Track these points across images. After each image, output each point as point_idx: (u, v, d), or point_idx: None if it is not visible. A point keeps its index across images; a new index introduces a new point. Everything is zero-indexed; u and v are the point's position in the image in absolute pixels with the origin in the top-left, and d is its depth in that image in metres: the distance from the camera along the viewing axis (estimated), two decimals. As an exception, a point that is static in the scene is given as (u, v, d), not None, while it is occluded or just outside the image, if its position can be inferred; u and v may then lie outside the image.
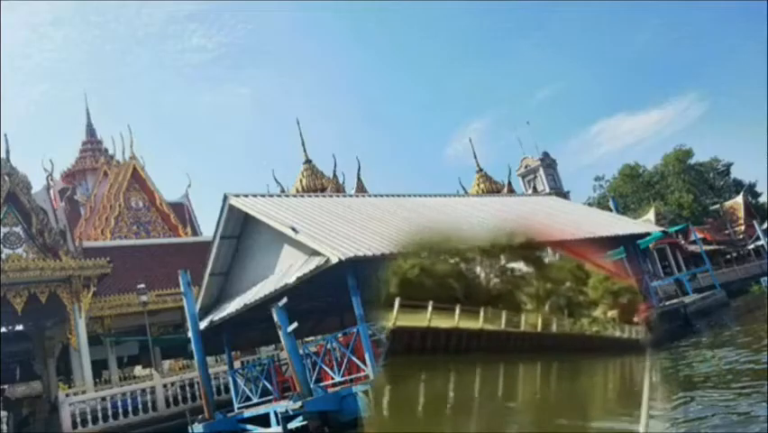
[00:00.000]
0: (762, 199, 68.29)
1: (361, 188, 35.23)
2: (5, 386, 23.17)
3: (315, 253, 11.85)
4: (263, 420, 13.08)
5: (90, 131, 37.43)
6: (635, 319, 2.57)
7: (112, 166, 29.53)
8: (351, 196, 24.26)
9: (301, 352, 12.83)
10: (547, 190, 46.58)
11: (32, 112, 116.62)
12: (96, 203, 28.31)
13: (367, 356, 11.15)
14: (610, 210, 31.04)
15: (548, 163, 52.66)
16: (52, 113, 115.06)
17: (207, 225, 31.36)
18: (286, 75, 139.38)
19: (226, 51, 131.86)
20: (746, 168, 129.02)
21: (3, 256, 18.06)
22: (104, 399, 17.24)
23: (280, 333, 11.73)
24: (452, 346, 2.31)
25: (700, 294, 27.31)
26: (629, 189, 67.06)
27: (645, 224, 32.33)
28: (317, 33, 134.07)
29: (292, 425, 11.96)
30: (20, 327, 22.97)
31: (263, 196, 16.15)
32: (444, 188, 78.93)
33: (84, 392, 17.48)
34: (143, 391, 17.98)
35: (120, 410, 17.23)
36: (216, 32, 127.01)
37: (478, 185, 40.87)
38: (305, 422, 11.56)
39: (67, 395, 16.90)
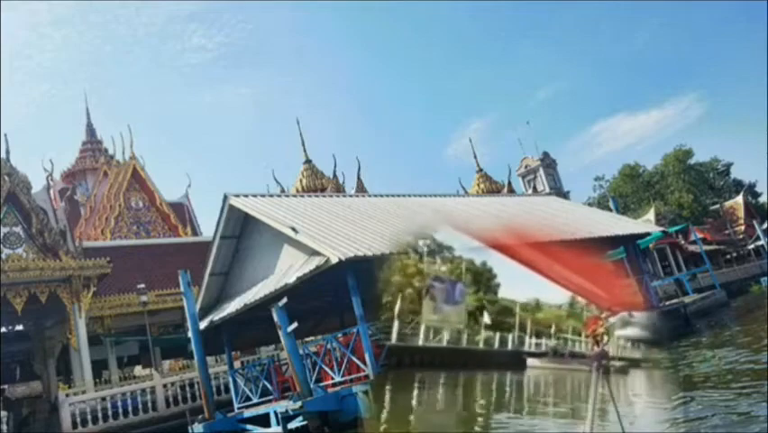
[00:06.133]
0: (762, 199, 68.30)
1: (361, 188, 35.23)
2: (5, 386, 23.14)
3: (315, 253, 11.85)
4: (263, 420, 13.08)
5: (90, 131, 37.47)
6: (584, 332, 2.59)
7: (112, 166, 29.50)
8: (351, 196, 24.24)
9: (301, 352, 12.82)
10: (547, 190, 46.54)
11: (33, 112, 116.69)
12: (96, 203, 28.31)
13: (367, 356, 11.15)
14: (610, 210, 31.03)
15: (548, 163, 52.64)
16: (52, 113, 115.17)
17: (207, 225, 31.37)
18: (286, 75, 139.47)
19: (226, 51, 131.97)
20: (746, 168, 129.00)
21: (3, 256, 18.06)
22: (104, 399, 17.24)
23: (280, 333, 11.72)
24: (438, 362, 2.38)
25: (700, 294, 27.36)
26: (629, 189, 67.04)
27: (645, 224, 32.32)
28: (317, 33, 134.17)
29: (292, 425, 11.97)
30: (20, 327, 22.98)
31: (263, 196, 16.14)
32: (444, 188, 78.83)
33: (84, 392, 17.48)
34: (143, 391, 17.98)
35: (120, 410, 17.23)
36: (216, 32, 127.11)
37: (478, 185, 40.93)
38: (305, 422, 11.56)
39: (67, 395, 16.90)
